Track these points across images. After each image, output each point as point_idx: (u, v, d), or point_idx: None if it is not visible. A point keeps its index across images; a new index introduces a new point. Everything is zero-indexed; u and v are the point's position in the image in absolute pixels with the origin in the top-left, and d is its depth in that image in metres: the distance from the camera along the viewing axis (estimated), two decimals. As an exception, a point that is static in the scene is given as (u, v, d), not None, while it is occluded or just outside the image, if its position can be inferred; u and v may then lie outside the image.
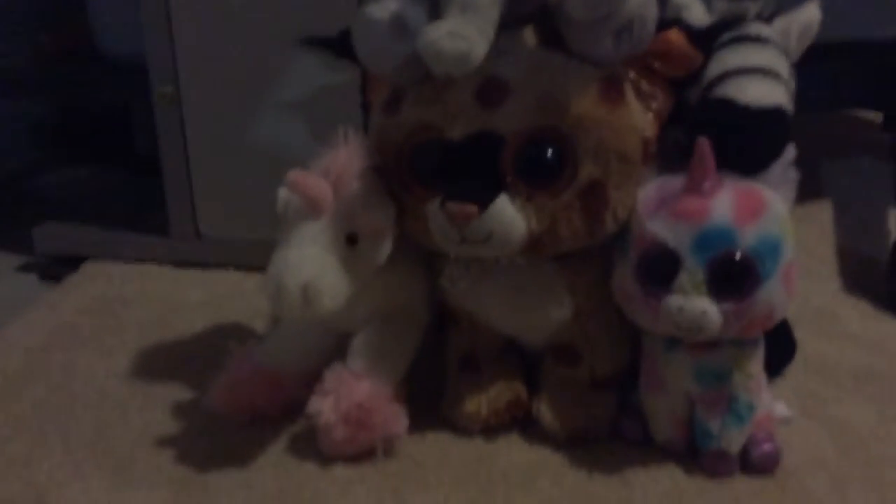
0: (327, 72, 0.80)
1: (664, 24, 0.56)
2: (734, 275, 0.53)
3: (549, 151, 0.54)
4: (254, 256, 0.83)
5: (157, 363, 0.73)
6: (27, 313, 0.82)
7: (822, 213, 0.97)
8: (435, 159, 0.56)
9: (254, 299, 0.80)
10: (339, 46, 0.62)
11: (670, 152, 0.58)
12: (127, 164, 1.17)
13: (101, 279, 0.88)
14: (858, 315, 0.78)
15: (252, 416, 0.62)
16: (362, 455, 0.59)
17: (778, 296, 0.54)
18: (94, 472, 0.59)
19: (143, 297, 0.84)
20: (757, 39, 0.59)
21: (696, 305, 0.52)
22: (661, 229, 0.54)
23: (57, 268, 0.91)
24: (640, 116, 0.56)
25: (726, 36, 0.59)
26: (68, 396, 0.68)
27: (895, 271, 0.79)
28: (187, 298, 0.83)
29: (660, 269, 0.54)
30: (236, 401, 0.62)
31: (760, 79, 0.56)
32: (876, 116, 1.14)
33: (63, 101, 1.19)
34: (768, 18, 0.61)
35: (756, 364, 0.58)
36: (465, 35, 0.51)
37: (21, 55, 1.09)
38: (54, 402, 0.68)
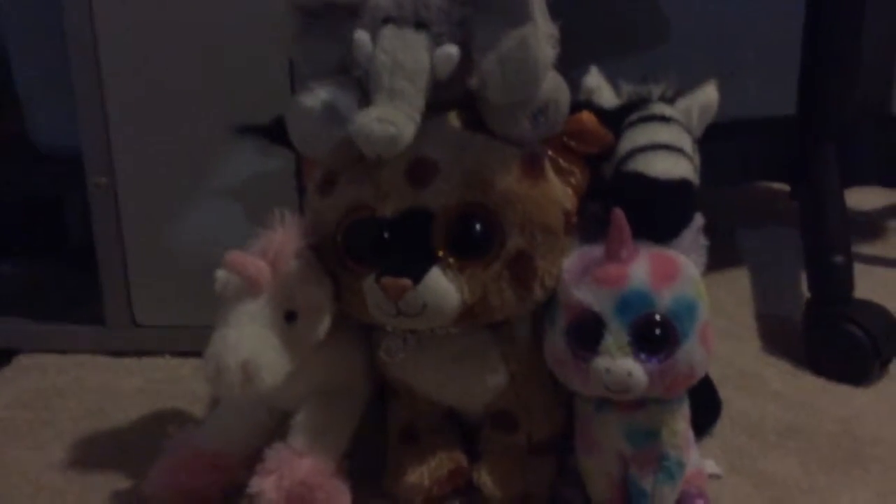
0: (262, 158, 0.83)
1: (577, 105, 0.60)
2: (655, 335, 0.56)
3: (477, 225, 0.57)
4: (190, 342, 0.84)
5: (93, 453, 0.71)
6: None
7: (739, 279, 1.02)
8: (368, 236, 0.58)
9: (191, 385, 0.80)
10: (273, 133, 0.65)
11: (589, 224, 0.62)
12: (60, 257, 1.16)
13: (34, 372, 0.86)
14: (779, 374, 0.82)
15: (192, 501, 0.62)
16: (307, 534, 0.59)
17: (697, 354, 0.57)
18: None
19: (78, 387, 0.83)
20: (661, 118, 0.64)
21: (622, 366, 0.55)
22: (585, 295, 0.57)
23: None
24: (560, 191, 0.60)
25: (634, 116, 0.64)
26: (2, 491, 0.67)
27: (809, 331, 0.84)
28: (124, 387, 0.82)
29: (587, 332, 0.57)
30: (176, 485, 0.61)
31: (666, 154, 0.61)
32: (783, 187, 1.21)
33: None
34: (671, 100, 0.67)
35: (682, 421, 0.60)
36: (394, 120, 0.54)
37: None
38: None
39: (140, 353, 0.88)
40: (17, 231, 1.21)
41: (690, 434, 0.61)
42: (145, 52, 0.82)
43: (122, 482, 0.67)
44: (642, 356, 0.55)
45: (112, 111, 0.84)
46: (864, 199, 1.21)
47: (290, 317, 0.58)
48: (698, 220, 0.60)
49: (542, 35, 0.54)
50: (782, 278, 1.00)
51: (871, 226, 1.18)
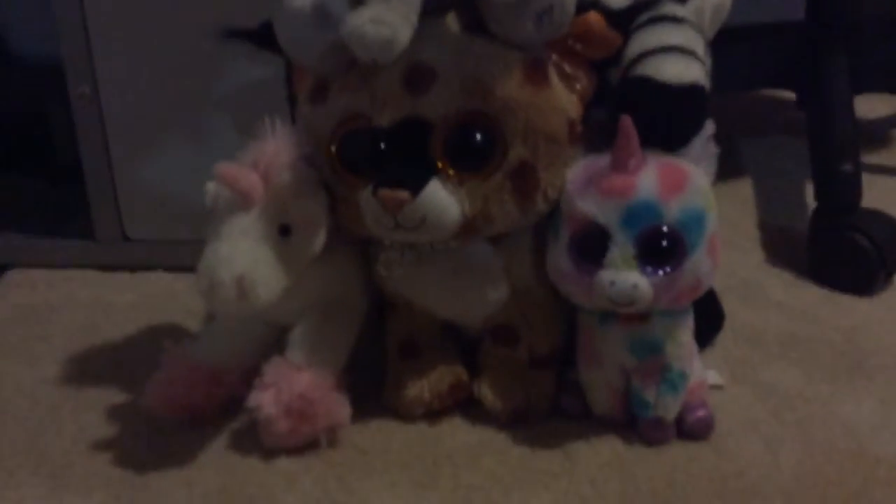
0: (251, 65, 0.79)
1: (583, 6, 0.57)
2: (662, 247, 0.54)
3: (478, 135, 0.55)
4: (183, 257, 0.81)
5: (88, 367, 0.71)
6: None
7: (743, 189, 1.00)
8: (364, 147, 0.56)
9: (186, 300, 0.79)
10: (261, 38, 0.62)
11: (595, 133, 0.59)
12: (47, 172, 1.13)
13: (25, 287, 0.85)
14: (782, 284, 0.81)
15: (191, 415, 0.61)
16: (306, 446, 0.59)
17: (704, 266, 0.55)
18: (28, 480, 0.58)
19: (70, 302, 0.82)
20: (673, 19, 0.61)
21: (628, 279, 0.54)
22: (590, 207, 0.55)
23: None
24: (565, 98, 0.57)
25: (643, 17, 0.61)
26: (-2, 406, 0.66)
27: (815, 241, 0.83)
28: (117, 302, 0.81)
29: (591, 245, 0.55)
30: (174, 400, 0.61)
31: (677, 57, 0.58)
32: (790, 96, 1.18)
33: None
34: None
35: (686, 333, 0.59)
36: (389, 21, 0.51)
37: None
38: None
39: (132, 267, 0.86)
40: (3, 146, 1.18)
41: (694, 345, 0.61)
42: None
43: (117, 397, 0.66)
44: (648, 268, 0.54)
45: (92, 15, 0.80)
46: (873, 107, 1.18)
47: (284, 230, 0.56)
48: (709, 127, 0.58)
49: None
50: (787, 188, 0.98)
51: (879, 134, 1.16)
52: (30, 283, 0.86)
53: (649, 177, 0.54)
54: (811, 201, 0.85)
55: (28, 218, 0.96)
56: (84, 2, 0.79)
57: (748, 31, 1.00)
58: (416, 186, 0.54)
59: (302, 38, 0.56)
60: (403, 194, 0.54)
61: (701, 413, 0.60)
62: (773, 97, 1.26)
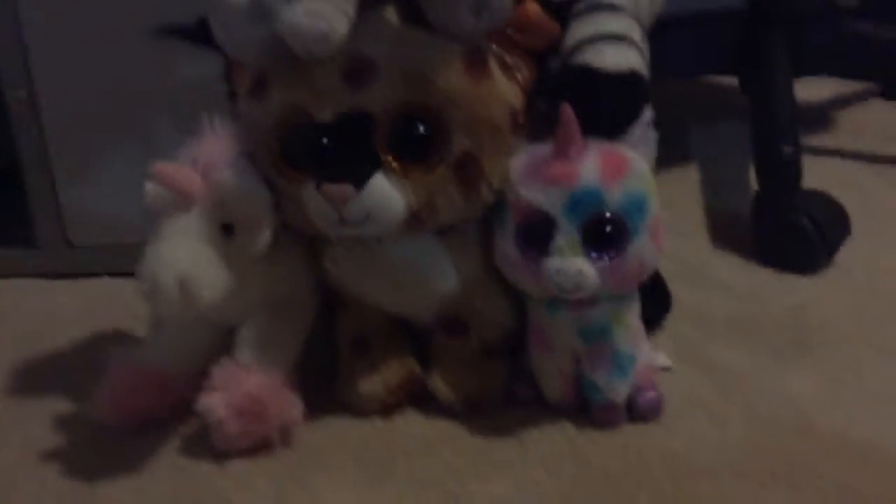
0: (190, 63, 0.78)
1: (521, -1, 0.57)
2: (606, 233, 0.55)
3: (420, 127, 0.55)
4: (128, 262, 0.80)
5: (34, 377, 0.69)
6: None
7: (689, 174, 1.02)
8: (306, 142, 0.55)
9: (132, 305, 0.76)
10: (198, 34, 0.61)
11: (537, 122, 0.60)
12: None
13: (-34, 297, 0.83)
14: (728, 266, 0.82)
15: (140, 421, 0.60)
16: (259, 447, 0.58)
17: (648, 250, 0.56)
18: (-26, 493, 0.57)
19: (15, 311, 0.80)
20: (609, 7, 0.61)
21: (574, 265, 0.54)
22: (534, 195, 0.56)
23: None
24: (507, 88, 0.57)
25: (581, 5, 0.62)
26: (-63, 422, 0.65)
27: (758, 223, 0.84)
28: (62, 310, 0.80)
29: (537, 233, 0.56)
30: (122, 406, 0.60)
31: (615, 45, 0.59)
32: (733, 82, 1.20)
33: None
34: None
35: (633, 317, 0.60)
36: (324, 13, 0.51)
37: None
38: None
39: (76, 274, 0.85)
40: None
41: (641, 328, 0.61)
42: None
43: (64, 406, 0.65)
44: (593, 254, 0.55)
45: (26, 19, 0.78)
46: (815, 90, 1.20)
47: (227, 229, 0.56)
48: (648, 113, 0.58)
49: None
50: (731, 173, 1.00)
51: (820, 115, 1.18)
52: (-29, 294, 0.84)
53: (591, 164, 0.55)
54: (756, 185, 0.86)
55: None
56: (18, 2, 0.77)
57: (691, 19, 1.01)
58: (360, 180, 0.53)
59: (238, 33, 0.55)
60: (347, 188, 0.53)
61: (650, 395, 0.61)
62: (718, 83, 1.28)
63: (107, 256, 0.84)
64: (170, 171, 0.53)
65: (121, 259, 0.82)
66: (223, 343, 0.61)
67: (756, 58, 0.96)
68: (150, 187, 0.55)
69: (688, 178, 1.00)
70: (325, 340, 0.66)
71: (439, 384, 0.62)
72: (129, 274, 0.78)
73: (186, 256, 0.53)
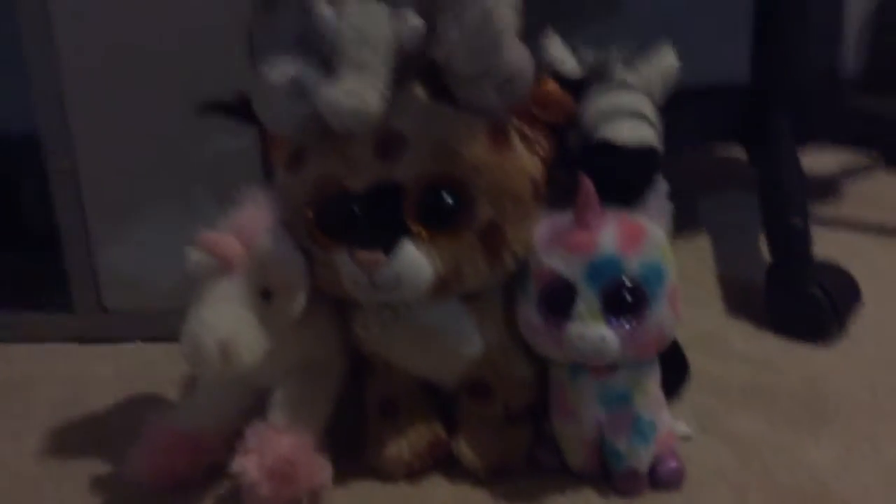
0: (225, 135, 0.82)
1: (541, 74, 0.61)
2: (625, 300, 0.57)
3: (447, 197, 0.57)
4: (161, 327, 0.83)
5: (69, 440, 0.71)
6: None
7: (701, 244, 1.04)
8: (339, 211, 0.58)
9: (165, 369, 0.79)
10: (238, 110, 0.65)
11: (556, 192, 0.62)
12: (19, 244, 1.14)
13: (2, 362, 0.85)
14: (743, 335, 0.83)
15: (173, 482, 0.62)
16: (289, 509, 0.59)
17: (667, 317, 0.58)
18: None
19: (50, 376, 0.82)
20: (624, 85, 0.65)
21: (595, 331, 0.56)
22: (556, 263, 0.58)
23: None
24: (527, 159, 0.61)
25: (596, 83, 0.65)
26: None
27: (771, 293, 0.86)
28: (96, 374, 0.82)
29: (558, 299, 0.58)
30: (157, 468, 0.61)
31: (630, 120, 0.62)
32: (741, 152, 1.23)
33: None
34: (631, 65, 0.67)
35: (654, 384, 0.62)
36: (361, 93, 0.54)
37: None
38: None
39: (110, 339, 0.87)
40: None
41: (661, 396, 0.63)
42: (100, 23, 0.80)
43: (99, 468, 0.66)
44: (613, 321, 0.57)
45: (70, 94, 0.82)
46: (819, 160, 1.23)
47: (265, 295, 0.58)
48: (663, 185, 0.61)
49: (505, 4, 0.54)
50: (743, 242, 1.02)
51: (827, 187, 1.21)
52: (7, 358, 0.86)
53: (609, 233, 0.58)
54: (767, 254, 0.89)
55: (2, 291, 0.97)
56: (62, 76, 0.81)
57: (699, 93, 1.05)
58: (391, 247, 0.56)
59: (279, 110, 0.59)
60: (379, 255, 0.56)
61: (672, 464, 0.62)
62: (727, 155, 1.31)
63: (140, 322, 0.87)
64: (212, 238, 0.56)
65: (154, 324, 0.85)
66: (256, 404, 0.63)
67: (761, 131, 1.00)
68: (192, 254, 0.57)
69: (700, 248, 1.03)
70: (353, 404, 0.67)
71: (464, 449, 0.63)
72: (162, 339, 0.83)
73: (227, 320, 0.55)
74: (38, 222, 0.94)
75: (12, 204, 1.14)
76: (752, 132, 1.03)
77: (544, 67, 0.65)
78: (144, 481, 0.62)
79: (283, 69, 0.58)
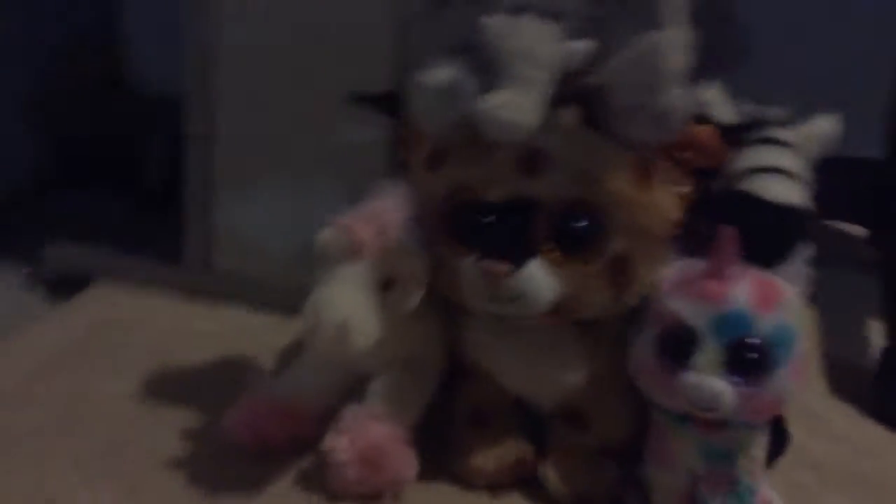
0: (359, 125, 0.83)
1: (697, 117, 0.60)
2: (750, 359, 0.55)
3: (583, 222, 0.57)
4: (265, 294, 0.85)
5: (165, 387, 0.73)
6: (33, 329, 0.82)
7: (809, 318, 1.00)
8: (473, 219, 0.58)
9: (262, 336, 0.81)
10: (384, 104, 0.65)
11: (691, 237, 0.61)
12: (134, 194, 1.18)
13: (108, 301, 0.88)
14: (846, 417, 0.80)
15: (263, 447, 0.63)
16: (369, 497, 0.60)
17: (788, 383, 0.56)
18: (104, 487, 0.60)
19: (150, 322, 0.85)
20: (781, 142, 0.64)
21: (712, 384, 0.55)
22: (682, 308, 0.57)
23: (65, 287, 0.91)
24: (668, 200, 0.59)
25: (753, 135, 0.64)
26: (76, 412, 0.69)
27: (882, 382, 0.83)
28: (196, 329, 0.84)
29: (678, 346, 0.56)
30: (252, 431, 0.62)
31: (783, 179, 0.61)
32: (861, 231, 1.19)
33: (87, 130, 1.20)
34: (791, 124, 0.66)
35: (759, 449, 0.60)
36: (521, 107, 0.54)
37: (52, 82, 1.11)
38: (62, 416, 0.68)
39: (213, 296, 0.89)
40: (97, 165, 1.24)
41: (763, 463, 0.61)
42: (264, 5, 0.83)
43: (191, 419, 0.68)
44: (734, 377, 0.55)
45: (221, 59, 0.85)
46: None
47: (386, 285, 0.59)
48: (806, 250, 0.59)
49: (676, 42, 0.54)
50: (853, 323, 0.98)
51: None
52: (113, 298, 0.89)
53: (744, 288, 0.56)
54: (875, 338, 0.85)
55: (115, 236, 1.00)
56: (218, 46, 0.84)
57: (826, 163, 1.02)
58: (518, 262, 0.56)
59: (432, 110, 0.59)
60: (504, 268, 0.56)
61: (765, 534, 0.60)
62: (844, 230, 1.27)
63: (245, 286, 0.89)
64: (350, 223, 0.57)
65: (257, 290, 0.87)
66: (353, 387, 0.63)
67: (889, 214, 0.96)
68: (325, 234, 0.58)
69: (808, 323, 0.99)
70: (442, 408, 0.67)
71: (550, 474, 0.63)
72: (264, 307, 0.85)
73: (349, 304, 0.56)
74: (155, 176, 0.97)
75: (136, 158, 1.18)
76: (878, 213, 0.99)
77: (701, 111, 0.64)
78: (237, 439, 0.63)
79: (442, 70, 0.58)
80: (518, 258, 0.56)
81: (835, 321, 1.00)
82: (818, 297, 1.04)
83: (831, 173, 1.03)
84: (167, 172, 0.92)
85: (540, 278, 0.56)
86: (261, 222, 0.87)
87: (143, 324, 0.84)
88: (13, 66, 1.10)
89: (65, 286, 0.92)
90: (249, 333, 0.82)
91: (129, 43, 1.09)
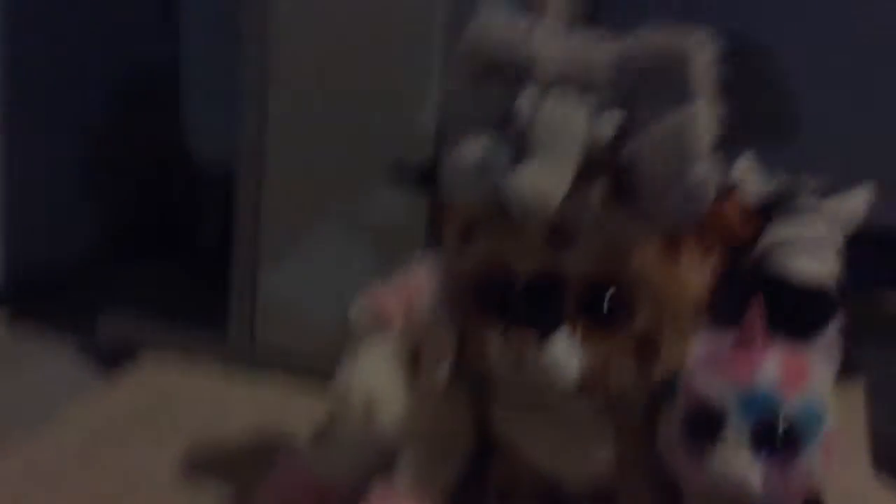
0: (396, 197, 0.85)
1: (726, 190, 0.60)
2: (778, 439, 0.54)
3: (609, 296, 0.57)
4: (307, 365, 0.87)
5: (205, 461, 0.75)
6: (85, 398, 0.86)
7: (854, 394, 0.98)
8: (502, 292, 0.59)
9: (302, 408, 0.82)
10: (421, 178, 0.67)
11: (720, 314, 0.61)
12: (188, 267, 1.21)
13: (157, 373, 0.91)
14: (887, 500, 0.78)
15: (296, 519, 0.64)
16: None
17: (817, 464, 0.55)
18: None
19: (195, 395, 0.87)
20: (810, 215, 0.63)
21: (739, 465, 0.54)
22: (708, 387, 0.56)
23: (116, 356, 0.94)
24: (696, 275, 0.59)
25: (781, 207, 0.64)
26: (121, 480, 0.71)
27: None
28: (237, 402, 0.86)
29: (705, 425, 0.55)
30: (286, 501, 0.63)
31: (812, 254, 0.60)
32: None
33: (145, 202, 1.24)
34: (822, 196, 0.66)
35: (791, 533, 0.58)
36: (548, 184, 0.55)
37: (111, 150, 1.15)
38: (107, 484, 0.70)
39: (257, 368, 0.91)
40: (156, 235, 1.27)
41: (797, 550, 0.59)
42: (312, 70, 0.86)
43: (229, 492, 0.70)
44: (761, 458, 0.54)
45: (272, 136, 0.88)
46: None
47: (415, 359, 0.60)
48: (836, 327, 0.59)
49: (706, 116, 0.54)
50: (898, 399, 0.96)
51: None
52: (161, 368, 0.92)
53: (772, 365, 0.55)
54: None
55: (166, 308, 1.03)
56: (269, 122, 0.87)
57: (876, 233, 1.00)
58: (546, 333, 0.56)
59: (465, 184, 0.60)
60: (532, 341, 0.56)
61: None
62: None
63: (287, 357, 0.91)
64: (381, 297, 0.58)
65: (299, 361, 0.89)
66: (383, 463, 0.64)
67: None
68: (356, 307, 0.60)
69: (853, 399, 0.97)
70: (472, 483, 0.67)
71: (578, 555, 0.62)
72: (305, 377, 0.86)
73: (378, 381, 0.57)
74: (212, 246, 1.00)
75: (190, 231, 1.22)
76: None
77: (731, 186, 0.64)
78: (273, 508, 0.64)
79: (475, 144, 0.59)
80: (545, 330, 0.56)
81: (882, 399, 0.97)
82: (868, 376, 1.03)
83: (884, 243, 1.02)
84: (221, 240, 0.95)
85: (566, 351, 0.57)
86: (300, 294, 0.89)
87: (187, 397, 0.87)
88: (74, 134, 1.14)
89: (118, 354, 0.95)
90: (288, 405, 0.84)
91: (192, 117, 1.14)
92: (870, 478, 0.81)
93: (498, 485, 0.66)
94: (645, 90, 0.56)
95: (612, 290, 0.57)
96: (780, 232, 0.62)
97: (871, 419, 0.93)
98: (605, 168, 0.59)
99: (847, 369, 1.03)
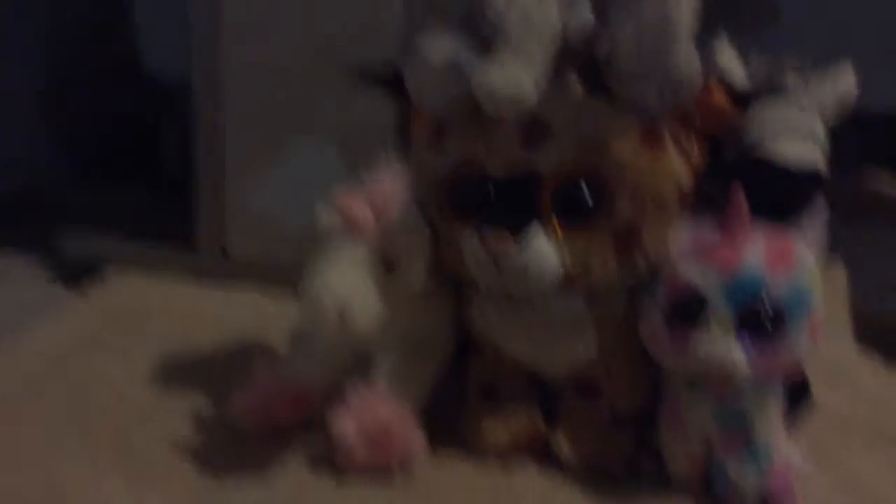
0: (367, 104, 0.82)
1: (707, 81, 0.57)
2: (762, 322, 0.53)
3: (586, 192, 0.55)
4: (278, 279, 0.85)
5: (176, 374, 0.74)
6: (50, 319, 0.83)
7: (837, 273, 0.98)
8: (475, 193, 0.57)
9: (274, 318, 0.81)
10: (388, 82, 0.64)
11: (701, 203, 0.59)
12: (153, 182, 1.18)
13: (124, 289, 0.89)
14: (872, 373, 0.79)
15: (272, 429, 0.63)
16: (379, 475, 0.60)
17: (802, 345, 0.55)
18: (113, 473, 0.61)
19: (165, 309, 0.85)
20: (795, 102, 0.61)
21: (723, 349, 0.53)
22: (693, 274, 0.55)
23: (81, 276, 0.92)
24: (678, 165, 0.57)
25: (766, 97, 0.61)
26: (89, 400, 0.69)
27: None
28: (209, 314, 0.84)
29: (689, 312, 0.55)
30: (260, 413, 0.63)
31: (798, 140, 0.58)
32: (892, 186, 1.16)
33: (103, 121, 1.21)
34: (806, 82, 0.63)
35: (775, 409, 0.58)
36: (519, 79, 0.52)
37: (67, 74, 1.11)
38: (75, 404, 0.69)
39: (228, 283, 0.89)
40: (115, 154, 1.24)
41: (781, 424, 0.59)
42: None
43: (202, 404, 0.69)
44: (746, 341, 0.54)
45: (227, 46, 0.84)
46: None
47: (388, 265, 0.58)
48: (821, 209, 0.57)
49: (684, 6, 0.52)
50: (883, 279, 0.96)
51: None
52: (129, 286, 0.90)
53: (757, 250, 0.54)
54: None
55: (131, 225, 1.01)
56: (222, 29, 0.83)
57: (858, 118, 0.99)
58: (522, 235, 0.55)
59: (432, 88, 0.57)
60: (508, 241, 0.55)
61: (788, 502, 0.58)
62: (876, 188, 1.23)
63: (258, 271, 0.89)
64: (349, 203, 0.56)
65: (271, 275, 0.87)
66: (359, 367, 0.63)
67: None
68: (324, 213, 0.58)
69: (836, 278, 0.97)
70: (453, 383, 0.66)
71: (563, 444, 0.62)
72: (278, 290, 0.85)
73: (349, 285, 0.55)
74: (173, 168, 0.97)
75: (151, 145, 1.19)
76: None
77: (712, 74, 0.61)
78: (244, 425, 0.63)
79: (442, 47, 0.56)
80: (521, 231, 0.55)
81: (864, 277, 0.98)
82: (849, 253, 1.03)
83: (868, 127, 1.00)
84: (184, 159, 0.92)
85: (544, 252, 0.55)
86: (269, 205, 0.87)
87: (157, 310, 0.85)
88: (27, 61, 1.10)
89: (83, 274, 0.93)
90: (262, 316, 0.82)
91: (142, 30, 1.09)
92: (853, 354, 0.82)
93: (481, 381, 0.66)
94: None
95: (583, 182, 0.55)
96: (765, 120, 0.60)
97: (853, 296, 0.93)
98: (581, 59, 0.57)
99: (830, 248, 1.03)
